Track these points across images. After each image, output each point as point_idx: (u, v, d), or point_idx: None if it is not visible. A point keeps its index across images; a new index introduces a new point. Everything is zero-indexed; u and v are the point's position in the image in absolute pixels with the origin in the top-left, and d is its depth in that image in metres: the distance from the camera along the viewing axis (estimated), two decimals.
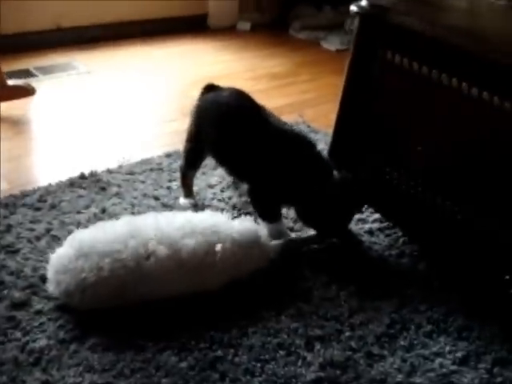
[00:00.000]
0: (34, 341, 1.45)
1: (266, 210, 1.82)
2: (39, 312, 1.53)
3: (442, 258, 1.87)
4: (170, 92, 2.99)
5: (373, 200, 1.93)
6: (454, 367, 1.50)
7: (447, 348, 1.55)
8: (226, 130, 1.81)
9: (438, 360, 1.52)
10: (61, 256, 1.53)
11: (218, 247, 1.58)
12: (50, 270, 1.53)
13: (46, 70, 2.98)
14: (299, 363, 1.47)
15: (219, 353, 1.47)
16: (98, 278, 1.48)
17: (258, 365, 1.45)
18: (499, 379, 1.47)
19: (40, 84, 2.81)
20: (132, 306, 1.54)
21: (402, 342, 1.56)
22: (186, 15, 3.78)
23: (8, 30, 3.06)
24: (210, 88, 1.91)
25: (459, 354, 1.53)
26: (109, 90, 2.91)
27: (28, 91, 2.58)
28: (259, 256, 1.67)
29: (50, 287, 1.54)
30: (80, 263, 1.49)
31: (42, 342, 1.44)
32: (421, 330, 1.60)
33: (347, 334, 1.57)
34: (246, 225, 1.68)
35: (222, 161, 1.89)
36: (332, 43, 3.85)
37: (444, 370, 1.48)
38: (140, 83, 3.03)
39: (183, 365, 1.43)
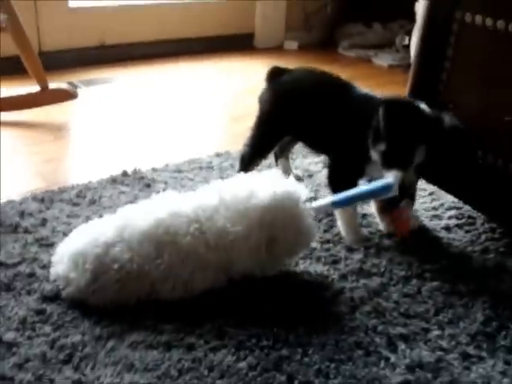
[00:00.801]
0: (65, 336, 1.23)
1: (342, 187, 1.56)
2: (72, 306, 1.31)
3: None
4: (217, 100, 2.83)
5: (453, 186, 1.67)
6: None
7: None
8: (312, 105, 1.68)
9: None
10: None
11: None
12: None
13: (90, 82, 2.86)
14: (381, 364, 1.23)
15: (285, 352, 1.23)
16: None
17: (333, 365, 1.21)
18: None
19: (82, 93, 2.67)
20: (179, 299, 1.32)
21: (503, 342, 1.32)
22: (232, 34, 3.66)
23: (53, 47, 2.97)
24: (275, 72, 1.81)
25: None
26: (153, 99, 2.76)
27: (71, 94, 2.43)
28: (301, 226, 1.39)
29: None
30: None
31: (75, 338, 1.22)
32: None
33: (435, 332, 1.33)
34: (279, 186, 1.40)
35: (307, 139, 1.77)
36: (384, 60, 3.67)
37: None
38: (185, 94, 2.88)
39: (242, 365, 1.19)
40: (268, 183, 1.39)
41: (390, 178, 1.48)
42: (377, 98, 1.59)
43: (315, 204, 1.50)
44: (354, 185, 1.57)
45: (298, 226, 1.37)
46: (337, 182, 1.62)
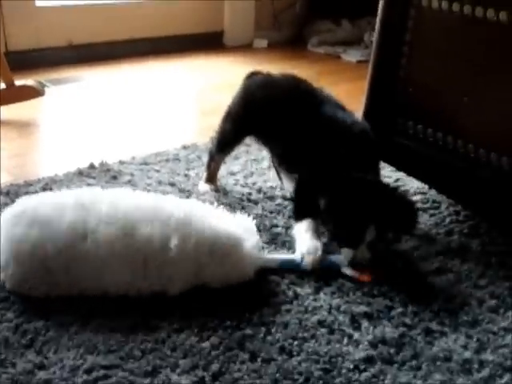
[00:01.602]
0: (28, 322, 1.22)
1: (304, 203, 1.56)
2: None
3: (496, 235, 1.64)
4: (185, 96, 2.84)
5: (414, 168, 1.69)
6: None
7: None
8: (280, 112, 1.66)
9: (510, 335, 1.28)
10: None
11: (172, 243, 1.30)
12: None
13: (58, 82, 2.84)
14: (345, 341, 1.24)
15: (248, 331, 1.24)
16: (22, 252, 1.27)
17: (296, 343, 1.22)
18: None
19: (50, 92, 2.66)
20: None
21: (465, 317, 1.34)
22: (200, 32, 3.67)
23: (20, 47, 2.96)
24: (254, 75, 1.82)
25: None
26: (121, 96, 2.76)
27: (37, 91, 2.41)
28: (234, 267, 1.35)
29: None
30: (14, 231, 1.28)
31: (38, 324, 1.22)
32: (484, 305, 1.38)
33: (399, 310, 1.35)
34: (231, 225, 1.39)
35: (269, 144, 1.75)
36: (352, 56, 3.71)
37: None
38: (154, 91, 2.88)
39: (205, 344, 1.20)
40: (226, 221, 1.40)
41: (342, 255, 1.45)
42: (344, 125, 1.57)
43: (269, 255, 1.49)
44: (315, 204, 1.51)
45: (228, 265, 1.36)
46: (299, 203, 1.59)
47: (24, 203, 1.36)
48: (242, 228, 1.41)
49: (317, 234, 1.49)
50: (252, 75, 1.81)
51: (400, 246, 1.58)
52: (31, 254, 1.27)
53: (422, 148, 1.62)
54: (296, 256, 1.45)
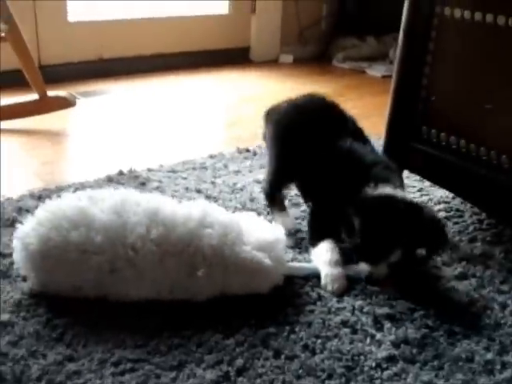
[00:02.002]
0: (58, 317, 1.26)
1: (318, 235, 1.53)
2: None
3: None
4: (213, 109, 2.89)
5: (438, 176, 1.71)
6: None
7: None
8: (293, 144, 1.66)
9: None
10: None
11: (200, 273, 1.30)
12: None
13: (88, 94, 2.92)
14: (367, 341, 1.26)
15: (272, 329, 1.27)
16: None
17: (319, 341, 1.24)
18: None
19: (80, 104, 2.73)
20: None
21: (487, 321, 1.35)
22: (227, 48, 3.73)
23: (53, 60, 3.05)
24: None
25: None
26: (149, 108, 2.82)
27: (69, 102, 2.48)
28: (259, 284, 1.36)
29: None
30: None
31: (67, 319, 1.26)
32: (507, 309, 1.40)
33: (421, 312, 1.36)
34: (258, 254, 1.35)
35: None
36: (377, 70, 3.74)
37: None
38: (182, 103, 2.94)
39: (230, 341, 1.22)
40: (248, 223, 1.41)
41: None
42: (365, 161, 1.55)
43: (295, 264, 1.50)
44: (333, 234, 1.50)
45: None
46: (314, 231, 1.57)
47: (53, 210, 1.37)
48: (270, 252, 1.38)
49: (335, 252, 1.47)
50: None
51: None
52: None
53: (446, 155, 1.63)
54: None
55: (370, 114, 2.62)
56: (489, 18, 1.49)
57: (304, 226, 1.69)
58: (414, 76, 1.66)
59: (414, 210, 1.43)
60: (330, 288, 1.41)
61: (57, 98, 2.49)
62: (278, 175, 1.71)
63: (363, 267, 1.44)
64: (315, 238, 1.53)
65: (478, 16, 1.51)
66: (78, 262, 1.28)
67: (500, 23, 1.47)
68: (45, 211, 1.35)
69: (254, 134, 2.48)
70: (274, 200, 1.72)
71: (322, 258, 1.46)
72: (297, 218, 1.74)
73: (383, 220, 1.39)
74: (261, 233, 1.40)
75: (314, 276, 1.45)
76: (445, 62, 1.60)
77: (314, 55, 3.99)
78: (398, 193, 1.46)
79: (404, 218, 1.40)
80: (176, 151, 2.26)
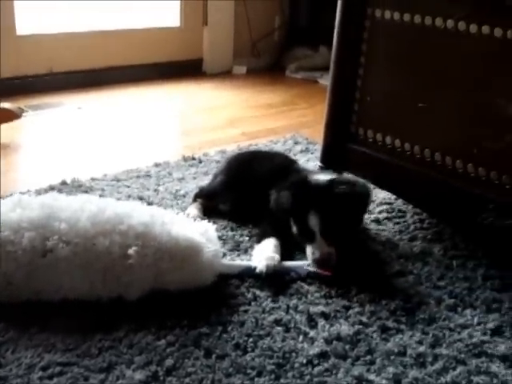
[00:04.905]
0: None
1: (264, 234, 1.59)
2: None
3: (459, 241, 1.68)
4: (162, 119, 2.89)
5: (376, 176, 1.72)
6: (485, 337, 1.31)
7: (475, 320, 1.37)
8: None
9: (466, 331, 1.33)
10: None
11: (131, 251, 1.32)
12: None
13: (37, 107, 2.89)
14: (300, 339, 1.26)
15: (204, 330, 1.26)
16: None
17: (250, 340, 1.25)
18: None
19: (29, 117, 2.71)
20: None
21: (422, 316, 1.36)
22: (180, 60, 3.73)
23: (2, 74, 2.98)
24: None
25: (491, 325, 1.35)
26: (98, 121, 2.79)
27: (15, 114, 2.44)
28: (193, 274, 1.37)
29: None
30: None
31: None
32: (442, 304, 1.42)
33: (356, 309, 1.37)
34: (192, 232, 1.40)
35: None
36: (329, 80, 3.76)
37: (474, 340, 1.29)
38: (131, 114, 2.92)
39: (161, 342, 1.22)
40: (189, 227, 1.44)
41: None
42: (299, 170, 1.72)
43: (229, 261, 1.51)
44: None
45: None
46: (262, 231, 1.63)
47: None
48: (203, 235, 1.43)
49: (276, 249, 1.51)
50: None
51: (362, 251, 1.60)
52: None
53: (382, 155, 1.66)
54: (253, 262, 1.47)
55: (320, 122, 2.64)
56: (417, 19, 1.52)
57: (243, 229, 1.69)
58: (348, 78, 1.68)
59: (327, 185, 1.51)
60: (260, 266, 1.43)
61: (2, 110, 2.45)
62: (217, 187, 1.81)
63: (308, 251, 1.49)
64: (261, 236, 1.57)
65: (406, 17, 1.55)
66: (10, 243, 1.27)
67: (427, 24, 1.50)
68: None
69: (204, 142, 2.49)
70: (197, 200, 1.80)
71: (261, 250, 1.49)
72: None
73: (299, 197, 1.51)
74: (189, 222, 1.45)
75: (250, 275, 1.44)
76: (378, 63, 1.63)
77: (268, 66, 4.02)
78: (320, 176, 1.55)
79: (316, 193, 1.50)
80: (122, 161, 2.25)
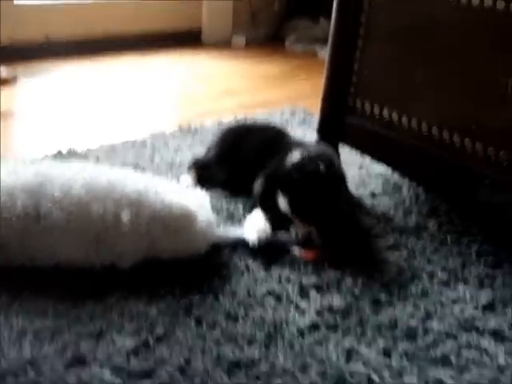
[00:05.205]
0: None
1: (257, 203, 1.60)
2: None
3: (454, 216, 1.67)
4: (158, 88, 2.86)
5: (373, 149, 1.71)
6: (477, 313, 1.30)
7: (467, 295, 1.36)
8: None
9: (458, 306, 1.32)
10: None
11: (125, 219, 1.31)
12: None
13: (33, 74, 2.85)
14: (291, 310, 1.26)
15: (196, 298, 1.26)
16: None
17: (242, 309, 1.24)
18: None
19: (25, 84, 2.69)
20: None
21: (414, 289, 1.36)
22: (178, 30, 3.68)
23: None
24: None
25: (483, 300, 1.35)
26: (95, 90, 2.76)
27: (7, 81, 2.41)
28: (186, 242, 1.37)
29: None
30: None
31: None
32: (435, 279, 1.42)
33: (348, 282, 1.37)
34: (186, 201, 1.40)
35: None
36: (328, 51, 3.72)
37: (466, 315, 1.29)
38: (127, 83, 2.89)
39: (152, 310, 1.22)
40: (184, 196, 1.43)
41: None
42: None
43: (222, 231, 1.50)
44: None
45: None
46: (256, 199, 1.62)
47: None
48: (196, 204, 1.42)
49: (267, 221, 1.50)
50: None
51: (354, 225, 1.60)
52: None
53: (378, 128, 1.64)
54: (245, 235, 1.46)
55: (319, 94, 2.61)
56: None
57: (238, 199, 1.69)
58: (347, 49, 1.66)
59: (293, 167, 1.48)
60: (251, 239, 1.43)
61: None
62: (211, 159, 1.80)
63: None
64: (253, 207, 1.57)
65: None
66: (5, 210, 1.27)
67: None
68: None
69: (200, 112, 2.47)
70: (191, 170, 1.79)
71: (252, 221, 1.49)
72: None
73: (268, 184, 1.53)
74: (183, 191, 1.45)
75: (243, 245, 1.44)
76: (377, 35, 1.61)
77: (267, 37, 3.97)
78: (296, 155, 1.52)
79: (282, 177, 1.50)
80: (118, 131, 2.23)
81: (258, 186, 1.58)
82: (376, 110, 1.65)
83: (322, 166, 1.45)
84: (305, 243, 1.47)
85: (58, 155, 1.93)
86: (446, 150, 1.50)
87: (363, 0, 1.59)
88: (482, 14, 1.39)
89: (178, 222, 1.35)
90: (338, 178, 1.54)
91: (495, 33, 1.41)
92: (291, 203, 1.47)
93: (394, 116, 1.61)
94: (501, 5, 1.34)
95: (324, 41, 3.83)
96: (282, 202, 1.49)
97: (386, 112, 1.63)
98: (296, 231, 1.49)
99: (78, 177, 1.35)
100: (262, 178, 1.59)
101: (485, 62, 1.43)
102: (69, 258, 1.31)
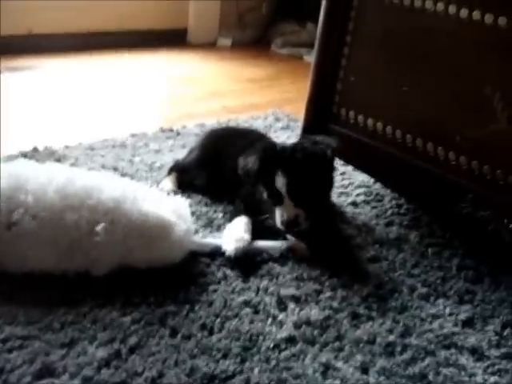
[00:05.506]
0: None
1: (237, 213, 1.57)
2: None
3: (436, 228, 1.66)
4: (141, 88, 2.82)
5: (356, 159, 1.69)
6: (456, 329, 1.29)
7: (447, 310, 1.35)
8: None
9: (437, 321, 1.31)
10: None
11: (99, 228, 1.27)
12: None
13: (13, 69, 2.80)
14: (268, 322, 1.23)
15: (171, 308, 1.23)
16: None
17: (218, 320, 1.21)
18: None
19: (6, 79, 2.62)
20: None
21: (394, 303, 1.34)
22: (164, 29, 3.65)
23: None
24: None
25: (462, 317, 1.33)
26: (76, 88, 2.72)
27: None
28: (162, 251, 1.34)
29: None
30: None
31: None
32: (415, 293, 1.40)
33: (327, 294, 1.35)
34: (163, 209, 1.36)
35: None
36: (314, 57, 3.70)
37: (445, 331, 1.27)
38: (109, 82, 2.85)
39: (126, 319, 1.18)
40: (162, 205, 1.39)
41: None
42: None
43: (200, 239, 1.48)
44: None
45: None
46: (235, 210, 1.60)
47: None
48: (175, 212, 1.39)
49: (247, 228, 1.48)
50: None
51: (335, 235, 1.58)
52: None
53: (362, 138, 1.63)
54: (223, 244, 1.44)
55: (303, 99, 2.59)
56: (406, 1, 1.48)
57: (217, 206, 1.66)
58: (333, 56, 1.64)
59: (293, 147, 1.49)
60: (229, 249, 1.40)
61: None
62: (192, 163, 1.77)
63: (277, 215, 1.46)
64: (233, 215, 1.54)
65: None
66: None
67: (417, 6, 1.46)
68: None
69: (183, 114, 2.44)
70: (172, 174, 1.76)
71: (231, 230, 1.46)
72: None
73: (266, 159, 1.47)
74: (162, 198, 1.40)
75: (221, 253, 1.41)
76: (363, 43, 1.59)
77: (253, 40, 3.95)
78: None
79: (282, 154, 1.47)
80: (98, 129, 2.19)
81: (250, 162, 1.50)
82: (360, 119, 1.63)
83: (328, 151, 1.45)
84: (288, 227, 1.45)
85: (35, 152, 1.88)
86: (430, 162, 1.49)
87: (351, 8, 1.56)
88: (471, 27, 1.38)
89: (154, 231, 1.32)
90: (331, 162, 1.52)
91: (483, 46, 1.40)
92: (288, 183, 1.44)
93: (379, 126, 1.60)
94: (489, 19, 1.33)
95: (310, 45, 3.84)
96: (280, 181, 1.45)
97: (370, 121, 1.62)
98: (282, 214, 1.46)
99: (52, 181, 1.31)
100: (255, 154, 1.50)
101: (472, 75, 1.41)
102: (41, 264, 1.27)
